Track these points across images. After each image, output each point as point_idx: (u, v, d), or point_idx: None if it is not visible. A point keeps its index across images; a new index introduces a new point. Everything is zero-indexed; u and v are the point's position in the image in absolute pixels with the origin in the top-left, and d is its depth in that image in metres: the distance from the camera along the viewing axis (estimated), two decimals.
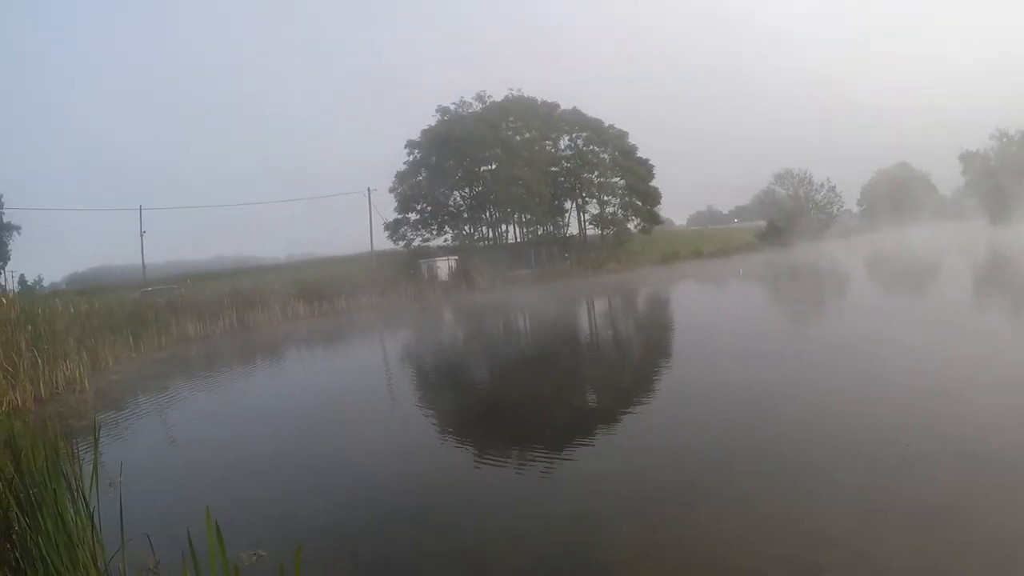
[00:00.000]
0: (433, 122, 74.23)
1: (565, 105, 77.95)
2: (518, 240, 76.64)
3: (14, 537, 5.86)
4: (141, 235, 64.19)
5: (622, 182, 76.46)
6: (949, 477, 7.34)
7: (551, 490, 8.59)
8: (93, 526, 6.55)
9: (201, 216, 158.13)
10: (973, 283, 28.51)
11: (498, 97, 76.10)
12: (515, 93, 76.57)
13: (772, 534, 6.54)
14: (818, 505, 7.04)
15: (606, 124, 77.76)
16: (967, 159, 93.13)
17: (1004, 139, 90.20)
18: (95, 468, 7.14)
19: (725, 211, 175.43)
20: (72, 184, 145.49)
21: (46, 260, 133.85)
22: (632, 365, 18.35)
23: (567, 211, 78.58)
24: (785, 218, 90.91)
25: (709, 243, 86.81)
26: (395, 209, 72.71)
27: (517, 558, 6.68)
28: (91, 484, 6.89)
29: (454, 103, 76.24)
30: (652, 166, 78.40)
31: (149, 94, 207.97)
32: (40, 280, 66.65)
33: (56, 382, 19.94)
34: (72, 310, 25.98)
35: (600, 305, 37.89)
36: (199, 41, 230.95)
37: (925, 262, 41.77)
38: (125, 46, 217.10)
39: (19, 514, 5.86)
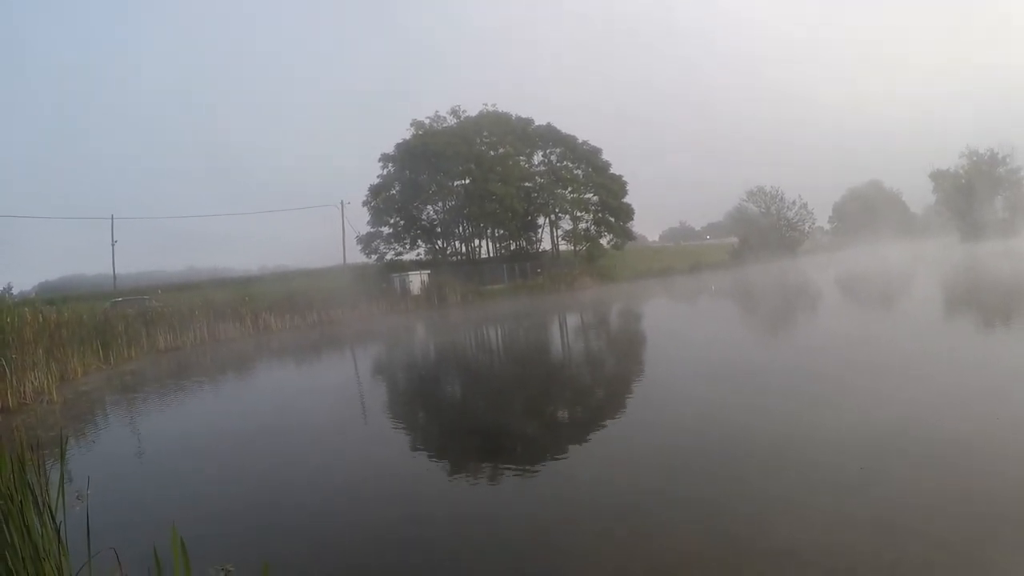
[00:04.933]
0: (408, 136, 74.49)
1: (539, 121, 78.33)
2: (491, 255, 76.78)
3: None
4: (112, 245, 64.23)
5: (595, 198, 76.70)
6: (906, 496, 7.44)
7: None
8: (59, 540, 6.52)
9: (174, 227, 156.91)
10: (938, 302, 28.76)
11: (473, 112, 76.61)
12: (490, 108, 76.97)
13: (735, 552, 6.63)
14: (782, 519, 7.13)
15: (580, 140, 78.03)
16: (938, 177, 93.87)
17: (974, 158, 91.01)
18: (62, 481, 7.12)
19: (698, 227, 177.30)
20: (43, 192, 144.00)
21: (16, 268, 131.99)
22: (592, 387, 18.29)
23: (540, 227, 78.98)
24: (757, 235, 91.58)
25: (681, 259, 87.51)
26: (368, 222, 73.00)
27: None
28: (58, 497, 6.86)
29: (429, 117, 76.78)
30: (625, 182, 78.73)
31: (121, 102, 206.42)
32: (9, 288, 65.76)
33: (24, 392, 19.77)
34: (41, 319, 25.69)
35: (569, 322, 37.87)
36: (172, 50, 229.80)
37: (893, 281, 42.08)
38: (96, 53, 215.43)
39: None
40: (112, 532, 7.51)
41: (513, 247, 76.95)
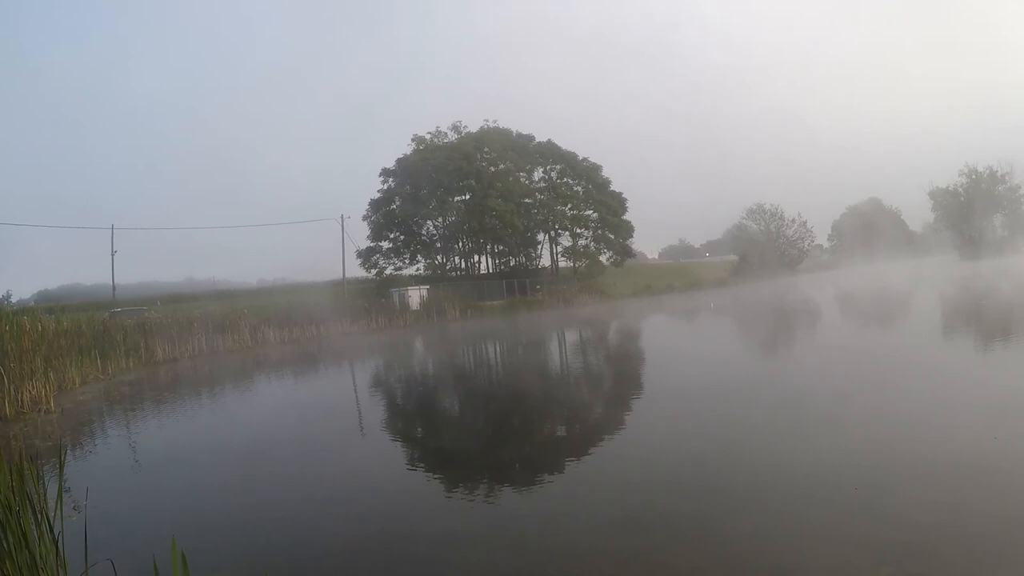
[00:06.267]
0: (408, 151, 74.73)
1: (540, 138, 78.46)
2: (490, 271, 76.84)
3: None
4: (112, 254, 63.99)
5: (595, 215, 76.72)
6: (900, 515, 7.46)
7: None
8: (57, 550, 6.52)
9: (174, 238, 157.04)
10: (934, 321, 28.73)
11: (474, 128, 76.78)
12: (491, 124, 77.21)
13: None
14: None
15: (580, 157, 78.16)
16: (937, 195, 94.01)
17: (973, 176, 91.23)
18: (60, 491, 7.12)
19: (697, 245, 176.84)
20: (43, 200, 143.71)
21: (15, 276, 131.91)
22: (587, 404, 18.15)
23: (540, 243, 78.95)
24: (756, 252, 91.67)
25: (681, 277, 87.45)
26: (368, 237, 72.96)
27: None
28: (56, 507, 6.86)
29: (430, 132, 77.14)
30: (625, 199, 78.91)
31: (123, 113, 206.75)
32: (8, 296, 65.89)
33: (22, 401, 19.76)
34: (40, 328, 25.69)
35: (567, 338, 37.81)
36: (175, 63, 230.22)
37: (891, 300, 42.09)
38: (98, 65, 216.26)
39: None
40: (110, 543, 7.50)
41: (512, 263, 77.06)
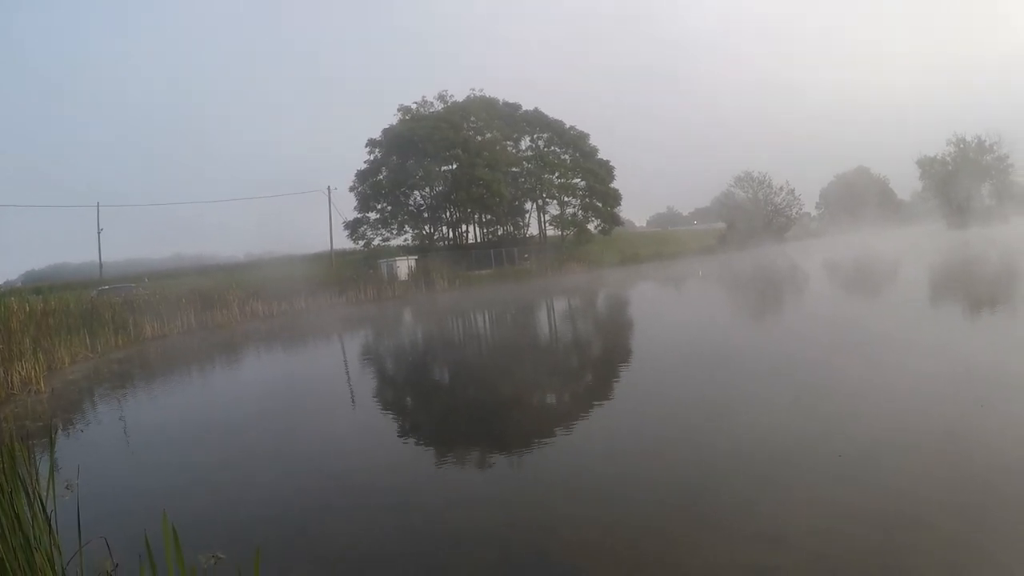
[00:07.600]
0: (395, 121, 74.22)
1: (527, 106, 78.23)
2: (478, 240, 76.75)
3: None
4: (98, 233, 63.63)
5: (582, 183, 76.67)
6: (884, 481, 7.58)
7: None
8: (50, 529, 6.57)
9: (160, 214, 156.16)
10: (920, 289, 28.80)
11: (460, 97, 76.37)
12: (477, 93, 76.79)
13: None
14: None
15: (567, 125, 77.95)
16: (925, 164, 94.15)
17: (961, 145, 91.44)
18: (52, 471, 7.19)
19: (685, 213, 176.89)
20: (28, 180, 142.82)
21: (2, 257, 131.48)
22: (573, 377, 18.38)
23: (528, 212, 78.92)
24: (744, 220, 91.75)
25: (669, 245, 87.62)
26: (355, 208, 72.72)
27: None
28: (48, 487, 6.91)
29: (416, 102, 76.56)
30: (612, 168, 78.84)
31: (107, 90, 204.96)
32: None
33: (11, 382, 19.74)
34: (28, 308, 25.61)
35: (556, 306, 37.98)
36: (157, 38, 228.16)
37: (878, 267, 42.27)
38: (80, 40, 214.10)
39: None
40: (102, 521, 7.57)
41: (500, 232, 76.95)
